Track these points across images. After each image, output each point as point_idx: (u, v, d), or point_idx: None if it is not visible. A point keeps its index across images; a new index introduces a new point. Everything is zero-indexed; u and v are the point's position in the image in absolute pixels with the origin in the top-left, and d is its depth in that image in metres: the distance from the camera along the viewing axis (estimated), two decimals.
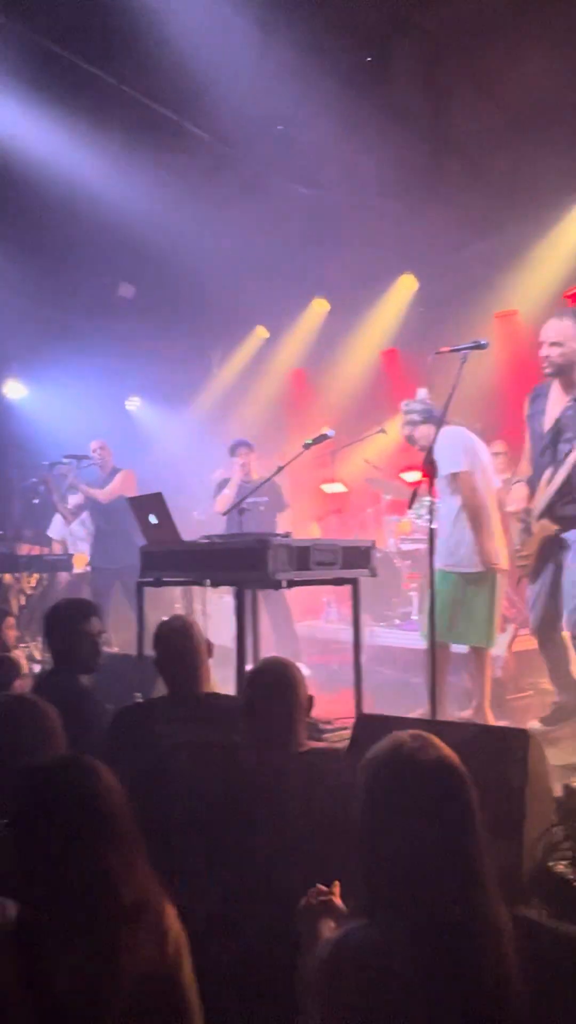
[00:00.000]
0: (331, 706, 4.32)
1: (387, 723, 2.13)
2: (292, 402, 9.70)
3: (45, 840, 1.34)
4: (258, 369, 9.50)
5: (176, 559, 3.72)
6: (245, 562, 3.27)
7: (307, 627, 7.31)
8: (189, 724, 2.44)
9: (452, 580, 4.21)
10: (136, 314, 8.67)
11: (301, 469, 8.23)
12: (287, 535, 3.41)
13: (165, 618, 2.85)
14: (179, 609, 6.99)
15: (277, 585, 3.32)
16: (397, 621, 6.58)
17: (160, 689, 3.04)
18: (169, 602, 7.09)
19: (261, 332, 9.41)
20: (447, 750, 1.34)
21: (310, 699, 2.15)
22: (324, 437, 4.24)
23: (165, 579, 3.92)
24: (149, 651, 2.80)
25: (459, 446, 4.37)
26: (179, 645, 2.65)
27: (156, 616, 4.03)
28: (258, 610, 4.17)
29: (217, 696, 2.64)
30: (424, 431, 4.39)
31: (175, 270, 7.86)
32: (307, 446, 4.20)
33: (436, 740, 1.35)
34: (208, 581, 3.54)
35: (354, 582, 3.65)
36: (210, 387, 10.00)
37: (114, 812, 1.40)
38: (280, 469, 4.38)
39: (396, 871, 1.27)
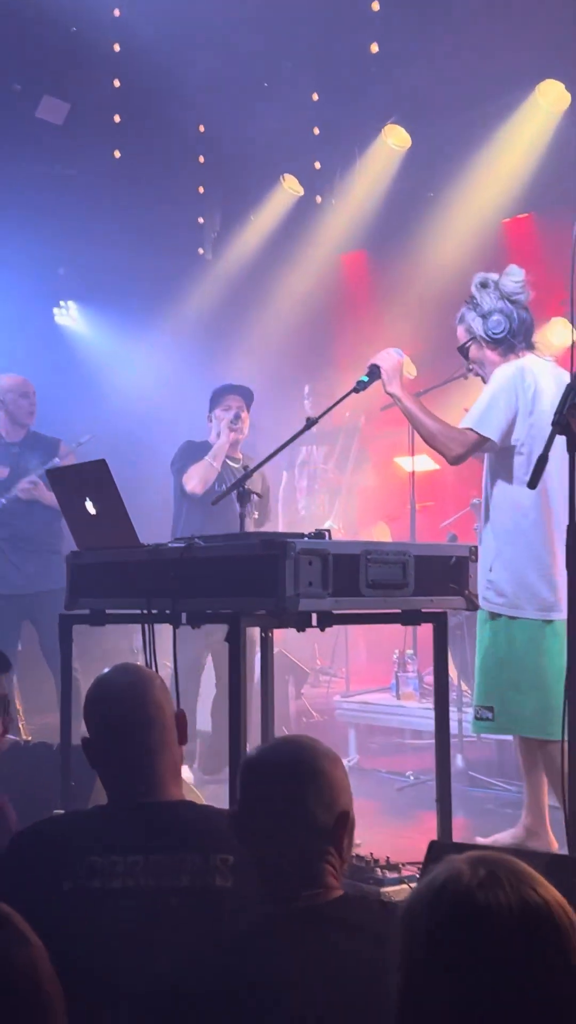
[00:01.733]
0: (404, 840, 4.38)
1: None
2: (343, 310, 9.76)
3: None
4: (284, 251, 9.58)
5: (129, 577, 3.77)
6: (244, 580, 3.31)
7: (361, 707, 7.33)
8: (141, 855, 2.45)
9: (494, 627, 4.49)
10: (70, 152, 8.78)
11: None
12: (321, 534, 3.43)
13: (107, 669, 2.87)
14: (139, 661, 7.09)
15: (301, 621, 3.38)
16: None
17: (98, 796, 3.09)
18: (126, 651, 7.19)
19: (291, 185, 9.50)
20: (544, 887, 1.37)
21: (344, 815, 2.16)
22: None
23: (110, 611, 3.99)
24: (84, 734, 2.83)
25: (507, 393, 4.41)
26: (124, 718, 2.68)
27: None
28: (270, 663, 4.23)
29: (189, 808, 2.66)
30: (481, 356, 4.59)
31: (136, 73, 7.95)
32: (362, 386, 4.31)
33: (526, 870, 1.38)
34: (184, 616, 3.58)
35: (438, 620, 3.70)
36: (199, 285, 10.11)
37: (52, 1002, 1.46)
38: (311, 423, 4.40)
39: None
